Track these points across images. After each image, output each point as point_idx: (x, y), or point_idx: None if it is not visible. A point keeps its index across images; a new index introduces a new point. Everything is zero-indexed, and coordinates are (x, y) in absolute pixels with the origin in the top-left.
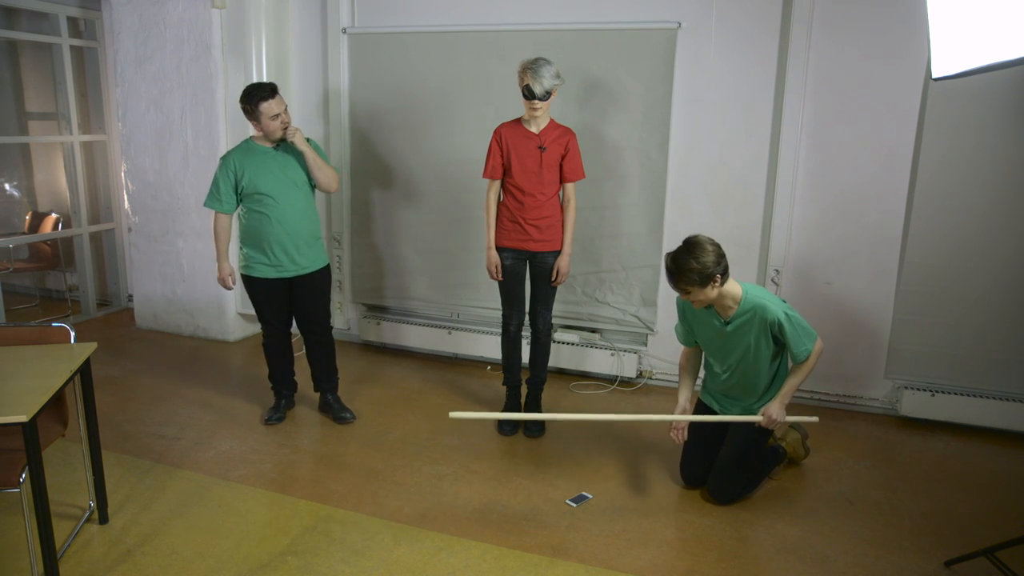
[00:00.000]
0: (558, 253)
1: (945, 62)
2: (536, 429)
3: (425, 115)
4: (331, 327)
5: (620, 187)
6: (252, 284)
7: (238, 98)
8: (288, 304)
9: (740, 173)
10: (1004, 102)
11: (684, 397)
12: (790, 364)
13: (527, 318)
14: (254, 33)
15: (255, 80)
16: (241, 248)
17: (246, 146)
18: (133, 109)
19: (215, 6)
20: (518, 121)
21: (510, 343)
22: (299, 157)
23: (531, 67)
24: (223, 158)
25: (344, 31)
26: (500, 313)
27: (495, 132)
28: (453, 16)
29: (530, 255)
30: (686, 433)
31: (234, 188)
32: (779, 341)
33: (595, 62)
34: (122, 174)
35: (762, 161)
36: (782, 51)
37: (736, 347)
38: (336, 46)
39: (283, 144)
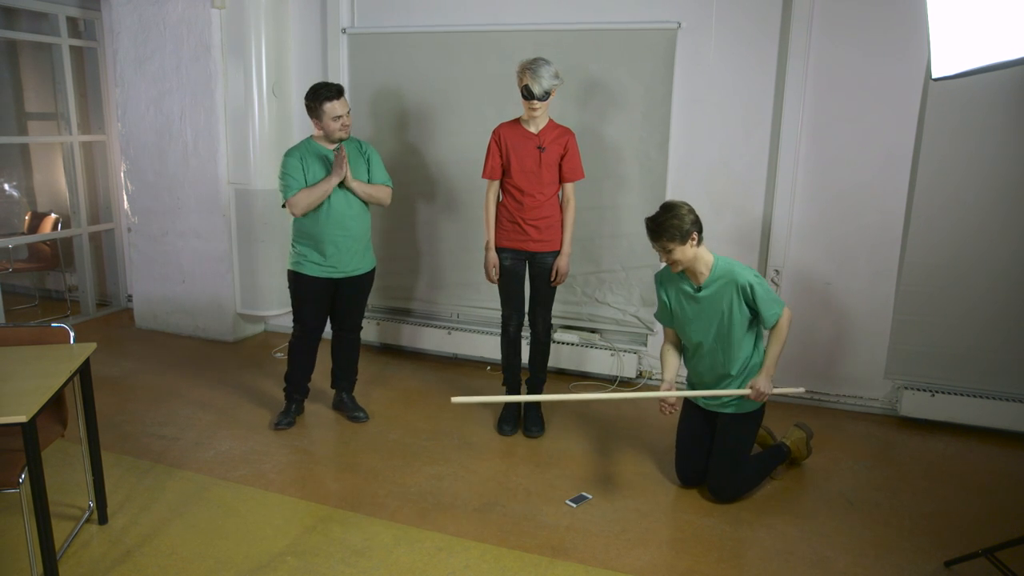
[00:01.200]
0: (557, 253)
1: (945, 62)
2: (536, 430)
3: (425, 115)
4: (362, 327)
5: (620, 187)
6: (300, 281)
7: (235, 98)
8: (330, 305)
9: (740, 173)
10: (1004, 102)
11: (670, 374)
12: (765, 337)
13: (526, 319)
14: (254, 33)
15: (255, 81)
16: (294, 246)
17: (308, 145)
18: (133, 109)
19: (215, 6)
20: (517, 121)
21: (510, 344)
22: (359, 161)
23: (530, 67)
24: (289, 153)
25: (344, 31)
26: (500, 313)
27: (494, 132)
28: (453, 16)
29: (529, 255)
30: (678, 407)
31: (303, 172)
32: (752, 309)
33: (595, 62)
34: (122, 174)
35: (762, 161)
36: (782, 51)
37: (711, 316)
38: (336, 46)
39: (343, 145)
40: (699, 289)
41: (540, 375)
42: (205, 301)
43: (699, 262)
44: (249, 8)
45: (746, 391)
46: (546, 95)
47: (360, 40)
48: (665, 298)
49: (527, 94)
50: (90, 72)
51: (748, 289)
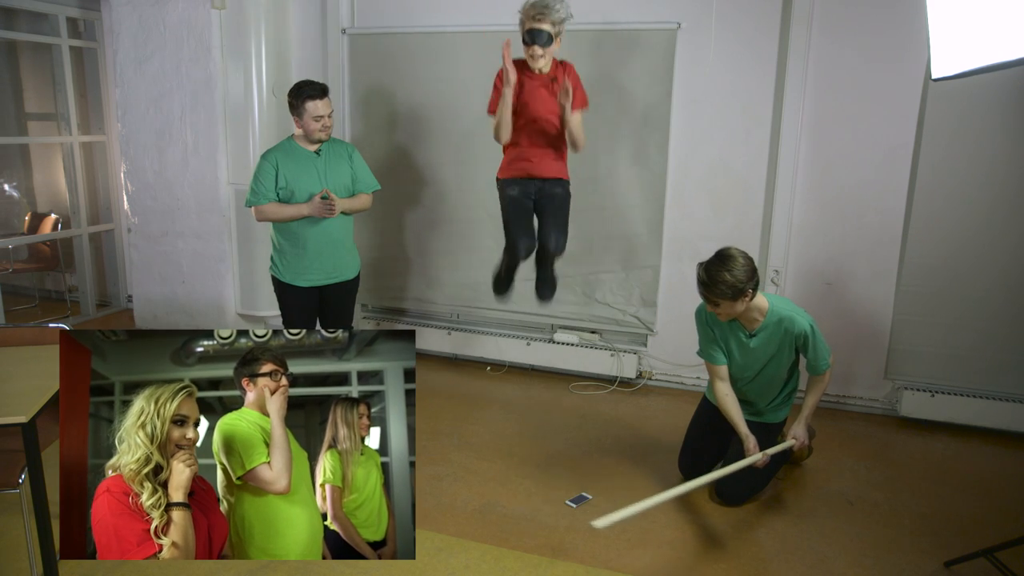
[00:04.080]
0: (566, 182)
1: (945, 63)
2: (548, 293)
3: (425, 115)
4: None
5: (620, 187)
6: (284, 290)
7: (235, 98)
8: (318, 309)
9: (740, 173)
10: (1004, 102)
11: (744, 424)
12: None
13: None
14: (254, 33)
15: (255, 81)
16: (275, 250)
17: (288, 146)
18: (133, 110)
19: (215, 7)
20: (525, 64)
21: (512, 267)
22: (341, 161)
23: (536, 4)
24: (264, 155)
25: (344, 31)
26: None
27: (500, 72)
28: (452, 17)
29: (537, 185)
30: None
31: (274, 182)
32: (799, 351)
33: (595, 62)
34: (121, 175)
35: (762, 161)
36: (782, 51)
37: (759, 359)
38: (336, 46)
39: (325, 147)
40: (752, 335)
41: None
42: (205, 301)
43: (752, 311)
44: (249, 8)
45: (791, 442)
46: (550, 40)
47: (360, 40)
48: (712, 334)
49: (528, 39)
50: (90, 72)
51: (803, 338)
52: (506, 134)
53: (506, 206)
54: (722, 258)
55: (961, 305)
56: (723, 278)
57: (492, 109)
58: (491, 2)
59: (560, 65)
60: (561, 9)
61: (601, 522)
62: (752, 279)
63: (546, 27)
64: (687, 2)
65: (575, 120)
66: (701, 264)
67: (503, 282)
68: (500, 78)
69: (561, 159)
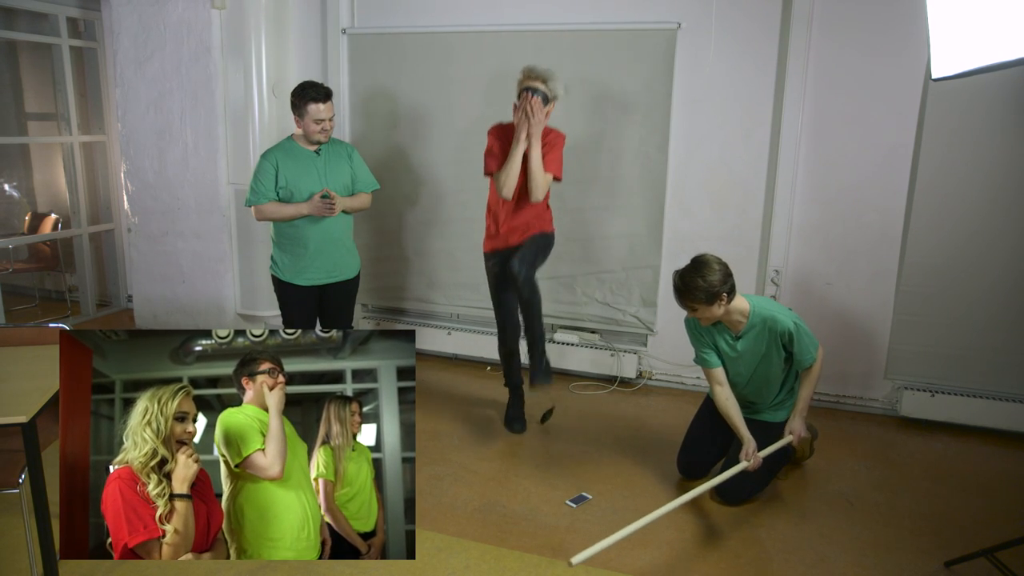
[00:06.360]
0: (550, 233)
1: (945, 62)
2: (545, 378)
3: (425, 115)
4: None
5: (620, 187)
6: (284, 289)
7: (235, 98)
8: (318, 309)
9: (740, 173)
10: (1004, 102)
11: (745, 427)
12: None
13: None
14: (254, 34)
15: (255, 81)
16: (275, 250)
17: (288, 145)
18: (133, 110)
19: (215, 7)
20: (512, 126)
21: (508, 355)
22: (341, 162)
23: (535, 69)
24: (264, 155)
25: (344, 31)
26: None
27: (492, 129)
28: (452, 17)
29: (515, 248)
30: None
31: (274, 181)
32: (788, 349)
33: (595, 62)
34: (122, 175)
35: (762, 161)
36: (782, 51)
37: (750, 361)
38: (336, 46)
39: (324, 147)
40: (738, 338)
41: (538, 331)
42: (205, 301)
43: (733, 313)
44: (249, 8)
45: (789, 438)
46: (546, 100)
47: (360, 40)
48: (703, 339)
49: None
50: (90, 72)
51: (787, 336)
52: (510, 189)
53: (489, 283)
54: (697, 265)
55: (961, 305)
56: (697, 284)
57: (490, 170)
58: (491, 2)
59: (551, 131)
60: (558, 82)
61: (578, 559)
62: (726, 283)
63: (542, 87)
64: (687, 2)
65: (536, 160)
66: (677, 272)
67: (516, 399)
68: (494, 134)
69: (545, 213)
